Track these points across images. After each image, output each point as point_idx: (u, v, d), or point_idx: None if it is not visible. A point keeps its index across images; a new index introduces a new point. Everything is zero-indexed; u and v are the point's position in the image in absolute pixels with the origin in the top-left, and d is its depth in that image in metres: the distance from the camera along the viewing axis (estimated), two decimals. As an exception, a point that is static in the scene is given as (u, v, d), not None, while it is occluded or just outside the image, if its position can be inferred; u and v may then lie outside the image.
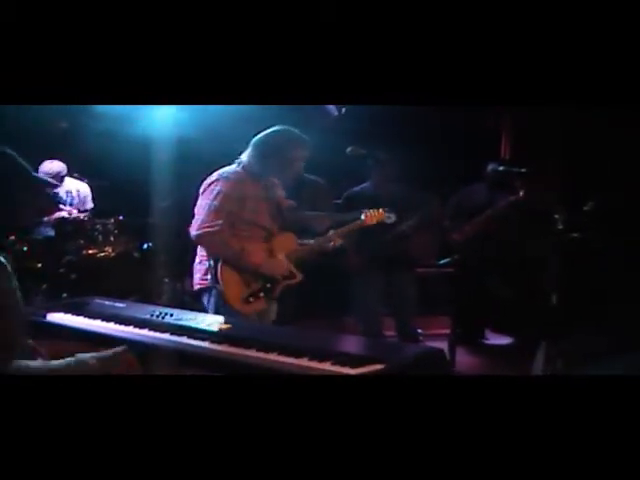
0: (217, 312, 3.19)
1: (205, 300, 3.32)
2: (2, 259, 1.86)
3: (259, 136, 3.35)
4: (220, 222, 3.15)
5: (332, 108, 5.96)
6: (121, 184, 5.48)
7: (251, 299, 3.23)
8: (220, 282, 3.20)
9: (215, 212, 3.17)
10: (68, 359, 2.01)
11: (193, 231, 3.21)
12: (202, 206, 3.22)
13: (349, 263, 4.52)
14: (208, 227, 3.16)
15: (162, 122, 5.31)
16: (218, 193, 3.19)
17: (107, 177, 5.76)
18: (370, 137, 4.40)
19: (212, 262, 3.23)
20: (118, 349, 2.10)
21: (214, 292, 3.25)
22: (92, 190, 5.76)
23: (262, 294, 3.28)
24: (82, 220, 5.24)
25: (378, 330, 4.60)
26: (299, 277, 3.43)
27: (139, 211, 5.23)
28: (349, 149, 4.11)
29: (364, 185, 4.61)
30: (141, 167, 5.38)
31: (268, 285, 3.30)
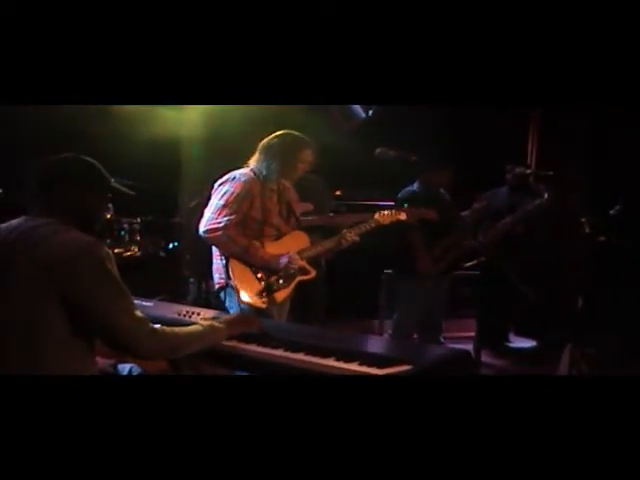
0: (234, 309, 3.25)
1: (223, 298, 3.37)
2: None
3: (264, 140, 3.43)
4: (225, 219, 3.22)
5: (358, 111, 5.94)
6: (147, 184, 5.52)
7: (264, 294, 3.26)
8: (232, 279, 3.26)
9: (220, 210, 3.24)
10: (200, 327, 2.21)
11: (200, 229, 3.28)
12: (209, 206, 3.32)
13: (420, 265, 4.30)
14: (213, 224, 3.23)
15: (189, 122, 5.36)
16: (225, 193, 3.28)
17: (133, 177, 5.79)
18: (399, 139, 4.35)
19: (224, 260, 3.30)
20: (233, 314, 2.53)
21: (229, 290, 3.31)
22: None
23: (276, 288, 3.32)
24: (108, 219, 5.27)
25: (410, 334, 4.50)
26: (313, 273, 3.46)
27: (165, 211, 5.27)
28: (377, 151, 4.07)
29: (415, 185, 4.48)
30: (168, 167, 5.43)
31: (281, 280, 3.33)
